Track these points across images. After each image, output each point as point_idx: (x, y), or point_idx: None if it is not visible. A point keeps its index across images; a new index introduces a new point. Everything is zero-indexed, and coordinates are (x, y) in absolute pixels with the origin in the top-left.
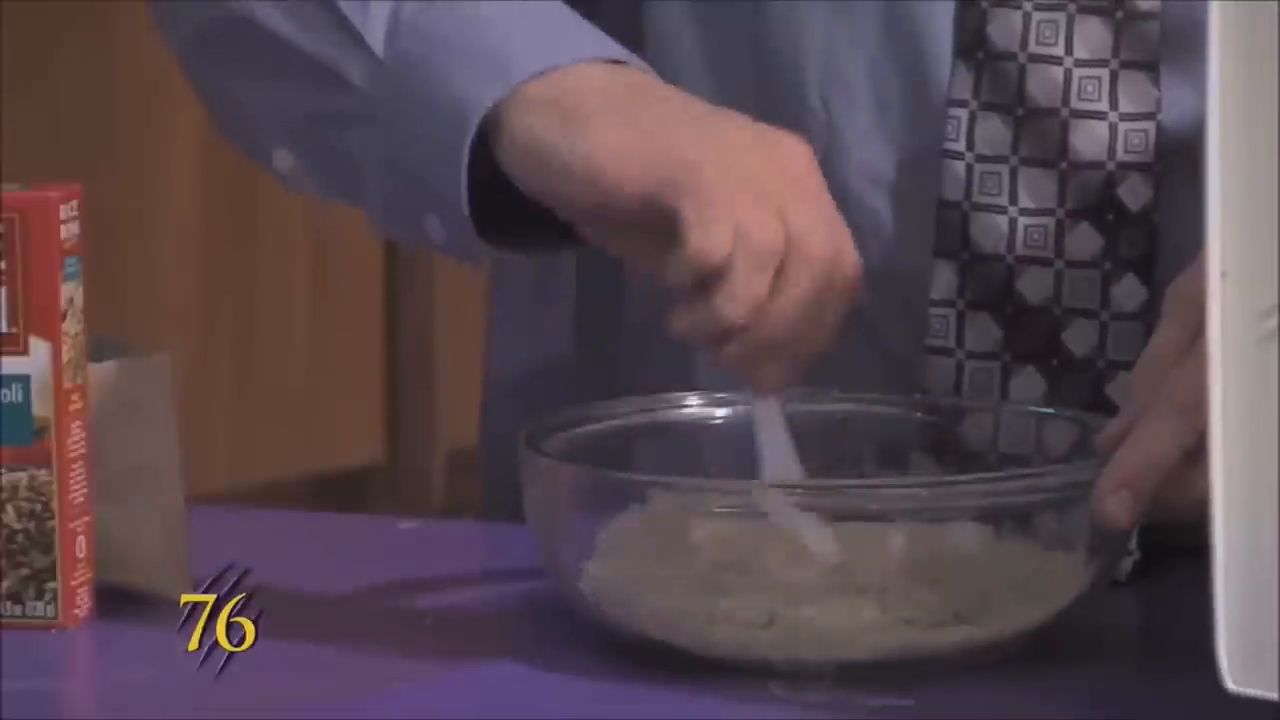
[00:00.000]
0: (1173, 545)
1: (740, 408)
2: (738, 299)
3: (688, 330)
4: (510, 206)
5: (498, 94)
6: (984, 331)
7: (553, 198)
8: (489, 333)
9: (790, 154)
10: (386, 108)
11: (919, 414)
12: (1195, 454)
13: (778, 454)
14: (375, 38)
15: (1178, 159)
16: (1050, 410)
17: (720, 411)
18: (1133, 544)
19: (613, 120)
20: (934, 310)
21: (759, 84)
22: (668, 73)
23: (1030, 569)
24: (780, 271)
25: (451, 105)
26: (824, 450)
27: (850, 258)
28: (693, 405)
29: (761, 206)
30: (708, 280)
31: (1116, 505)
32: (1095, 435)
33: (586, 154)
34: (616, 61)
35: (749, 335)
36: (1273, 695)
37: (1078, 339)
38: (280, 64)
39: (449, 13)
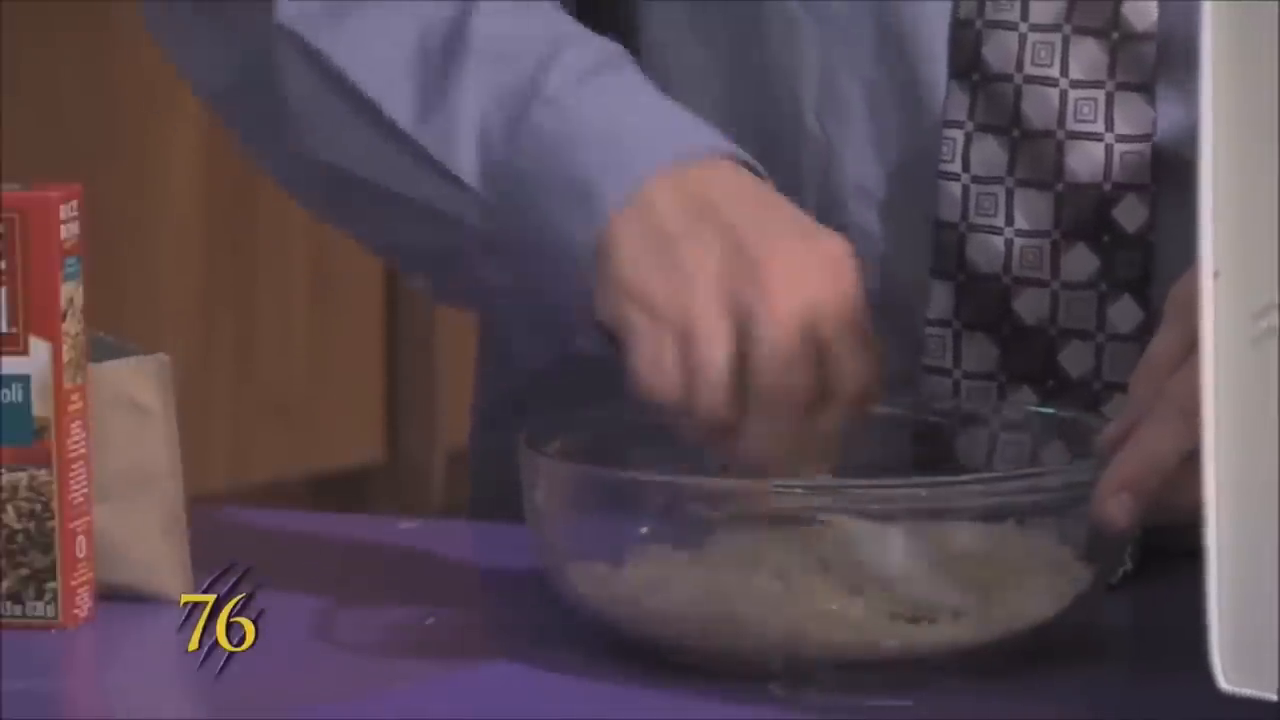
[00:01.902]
0: (1172, 546)
1: None
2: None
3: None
4: None
5: (590, 234)
6: (980, 352)
7: None
8: (480, 354)
9: (834, 255)
10: (503, 242)
11: (919, 415)
12: (1196, 457)
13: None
14: (472, 178)
15: (1174, 180)
16: (1050, 410)
17: None
18: (1127, 557)
19: (639, 269)
20: (930, 330)
21: (756, 104)
22: (667, 93)
23: (1029, 569)
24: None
25: (554, 247)
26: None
27: (877, 388)
28: None
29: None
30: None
31: (1117, 507)
32: (1096, 437)
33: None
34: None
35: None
36: (1268, 695)
37: (1074, 360)
38: (382, 204)
39: (535, 138)
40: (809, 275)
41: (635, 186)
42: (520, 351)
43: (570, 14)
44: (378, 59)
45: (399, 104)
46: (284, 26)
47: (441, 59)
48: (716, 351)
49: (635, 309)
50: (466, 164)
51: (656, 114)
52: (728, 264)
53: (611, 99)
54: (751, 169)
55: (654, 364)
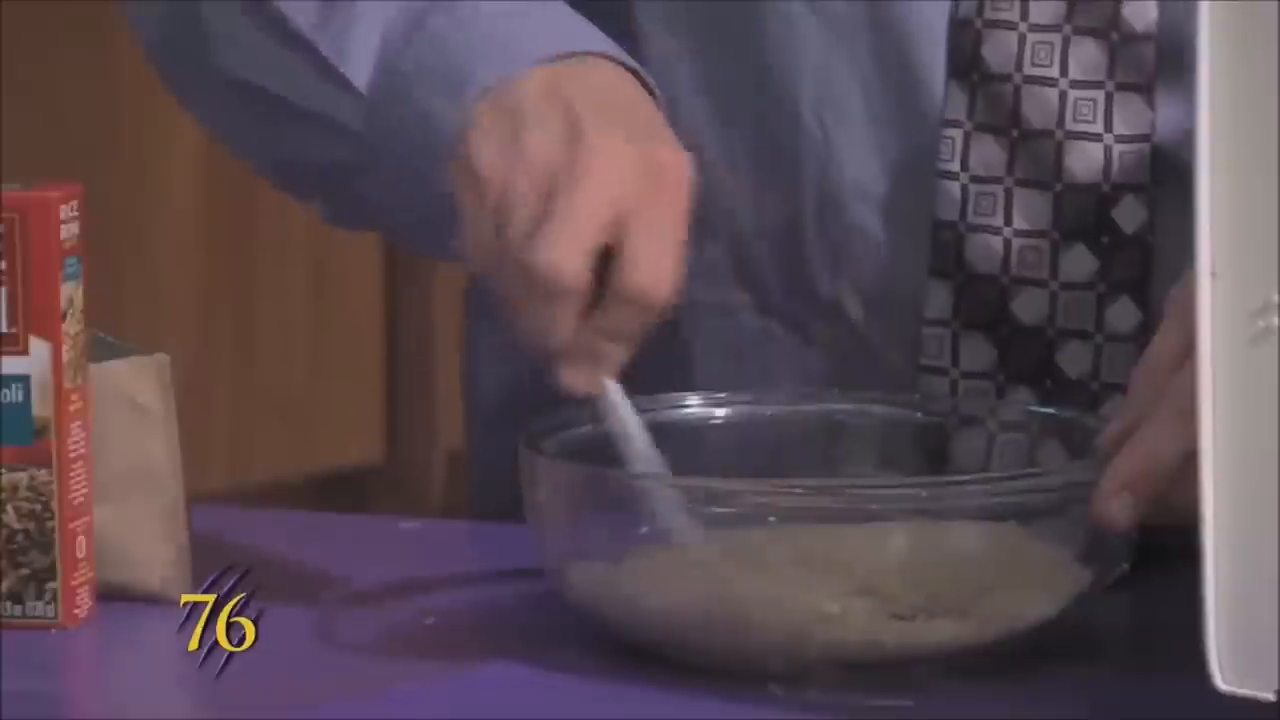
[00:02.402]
0: (1171, 546)
1: (740, 408)
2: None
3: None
4: None
5: (457, 116)
6: (978, 352)
7: None
8: (468, 360)
9: (668, 165)
10: (379, 147)
11: (918, 415)
12: (1196, 456)
13: (639, 456)
14: (361, 80)
15: (1173, 181)
16: (1049, 410)
17: (720, 411)
18: (1126, 561)
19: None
20: (928, 330)
21: (754, 103)
22: (667, 94)
23: (1030, 569)
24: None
25: (426, 134)
26: (824, 450)
27: (662, 294)
28: (693, 405)
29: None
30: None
31: (1118, 507)
32: (1096, 437)
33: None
34: (566, 56)
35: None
36: (1266, 695)
37: (1072, 361)
38: (282, 120)
39: (427, 39)
40: (627, 175)
41: (505, 73)
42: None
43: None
44: None
45: (299, 10)
46: None
47: None
48: (519, 227)
49: (468, 185)
50: (359, 69)
51: (547, 19)
52: (557, 152)
53: (509, 5)
54: (638, 76)
55: (471, 236)
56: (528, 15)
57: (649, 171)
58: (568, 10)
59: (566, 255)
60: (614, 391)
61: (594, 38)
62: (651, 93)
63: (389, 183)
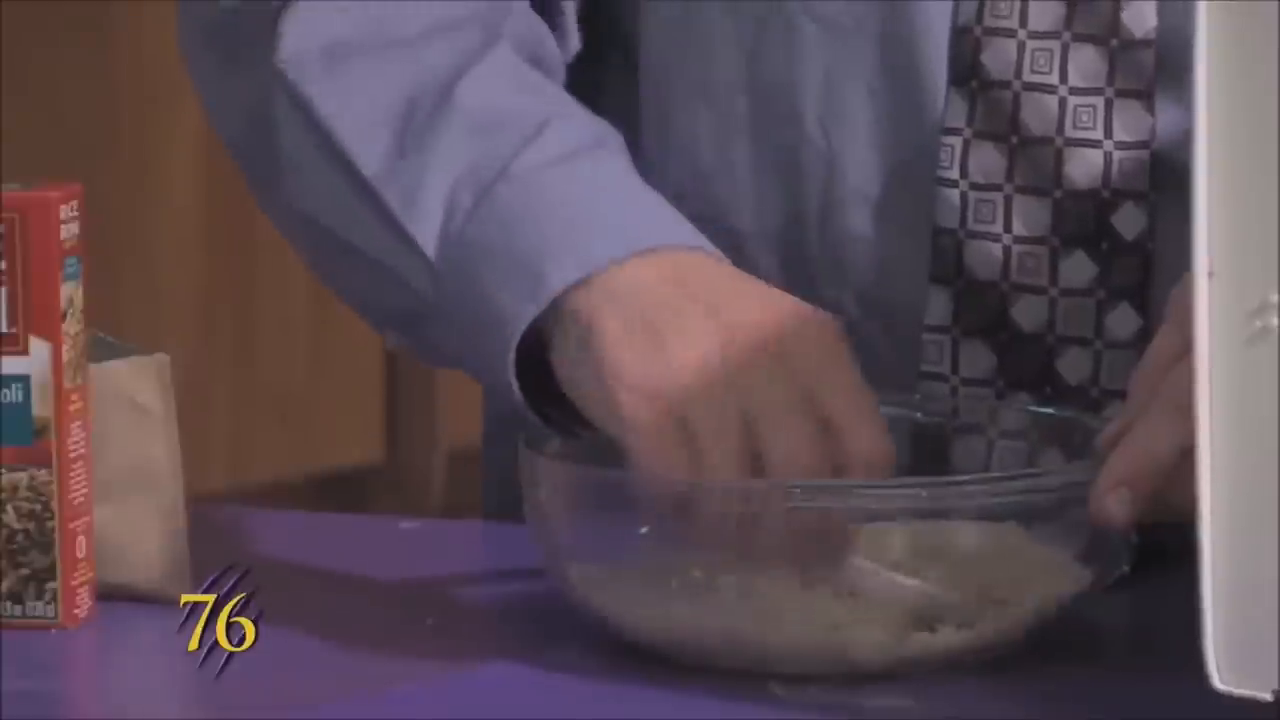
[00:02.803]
0: (1170, 546)
1: None
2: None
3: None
4: None
5: (532, 311)
6: (978, 358)
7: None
8: None
9: (818, 322)
10: (447, 313)
11: (918, 415)
12: (1193, 453)
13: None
14: (429, 245)
15: (1172, 187)
16: (1048, 411)
17: None
18: (1125, 559)
19: (629, 356)
20: (928, 336)
21: (756, 112)
22: (667, 103)
23: (1029, 569)
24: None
25: (494, 320)
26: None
27: (891, 453)
28: None
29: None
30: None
31: (1115, 503)
32: (1094, 439)
33: (601, 397)
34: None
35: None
36: (1263, 694)
37: (1072, 367)
38: (348, 262)
39: (495, 213)
40: (804, 348)
41: (585, 269)
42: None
43: (574, 21)
44: (361, 111)
45: (371, 157)
46: (280, 69)
47: (424, 120)
48: (723, 445)
49: (627, 393)
50: (425, 227)
51: (623, 204)
52: (715, 340)
53: (582, 185)
54: (718, 259)
55: (662, 460)
56: (602, 197)
57: (806, 329)
58: (640, 187)
59: (801, 443)
60: (867, 563)
61: (669, 225)
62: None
63: (458, 342)
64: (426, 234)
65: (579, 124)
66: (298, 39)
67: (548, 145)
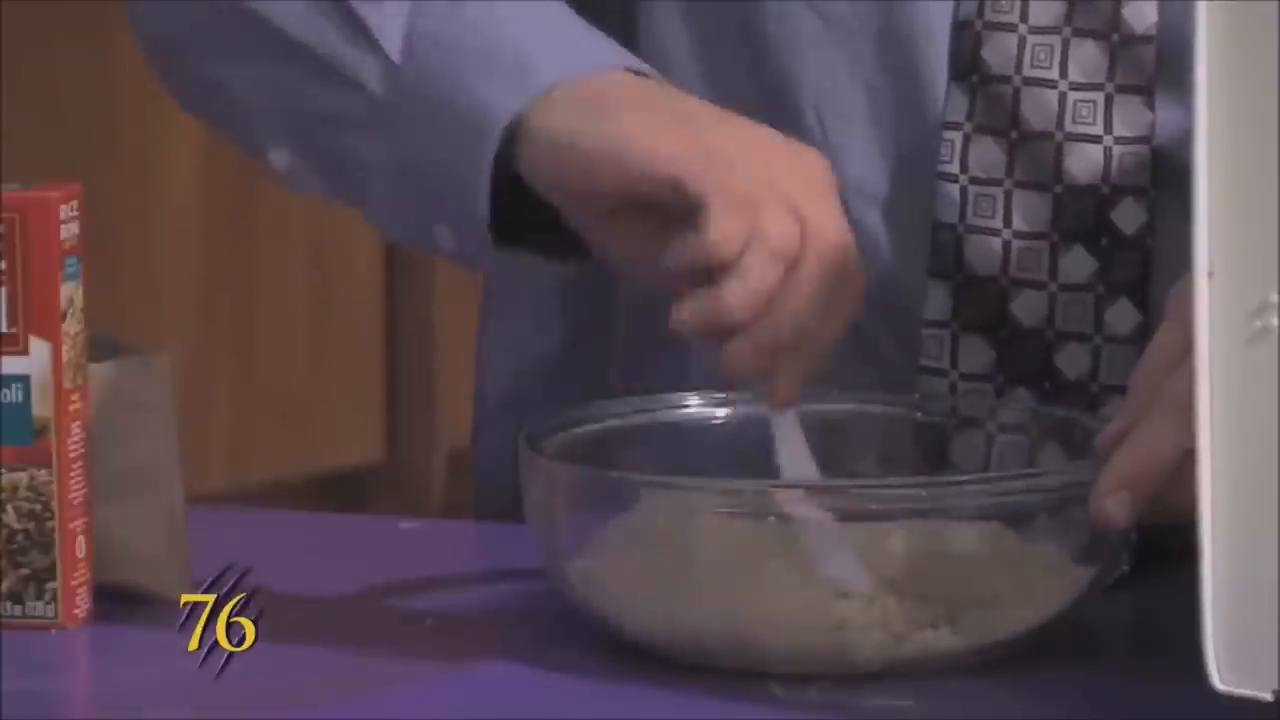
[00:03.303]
0: (1170, 546)
1: (740, 408)
2: (748, 289)
3: (692, 322)
4: (520, 220)
5: (522, 102)
6: (977, 353)
7: (572, 187)
8: (480, 351)
9: (812, 162)
10: (401, 114)
11: (918, 415)
12: (1194, 455)
13: (801, 470)
14: (392, 43)
15: (1172, 183)
16: (1048, 410)
17: (720, 411)
18: (1125, 559)
19: (644, 112)
20: (927, 331)
21: (755, 104)
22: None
23: (1029, 569)
24: (791, 270)
25: (473, 113)
26: (824, 450)
27: (856, 263)
28: (693, 405)
29: (782, 205)
30: (717, 272)
31: (1116, 505)
32: (1095, 437)
33: (617, 134)
34: (639, 72)
35: (754, 331)
36: (1263, 694)
37: (1071, 362)
38: (283, 59)
39: (469, 24)
40: (793, 169)
41: (580, 69)
42: (382, 235)
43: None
44: None
45: None
46: None
47: None
48: (788, 232)
49: (705, 167)
50: (390, 25)
51: (604, 39)
52: (729, 123)
53: (528, 8)
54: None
55: (725, 227)
56: (564, 20)
57: (794, 161)
58: (574, 18)
59: (840, 221)
60: (795, 412)
61: (619, 51)
62: None
63: (398, 148)
64: (390, 32)
65: None
66: None
67: None
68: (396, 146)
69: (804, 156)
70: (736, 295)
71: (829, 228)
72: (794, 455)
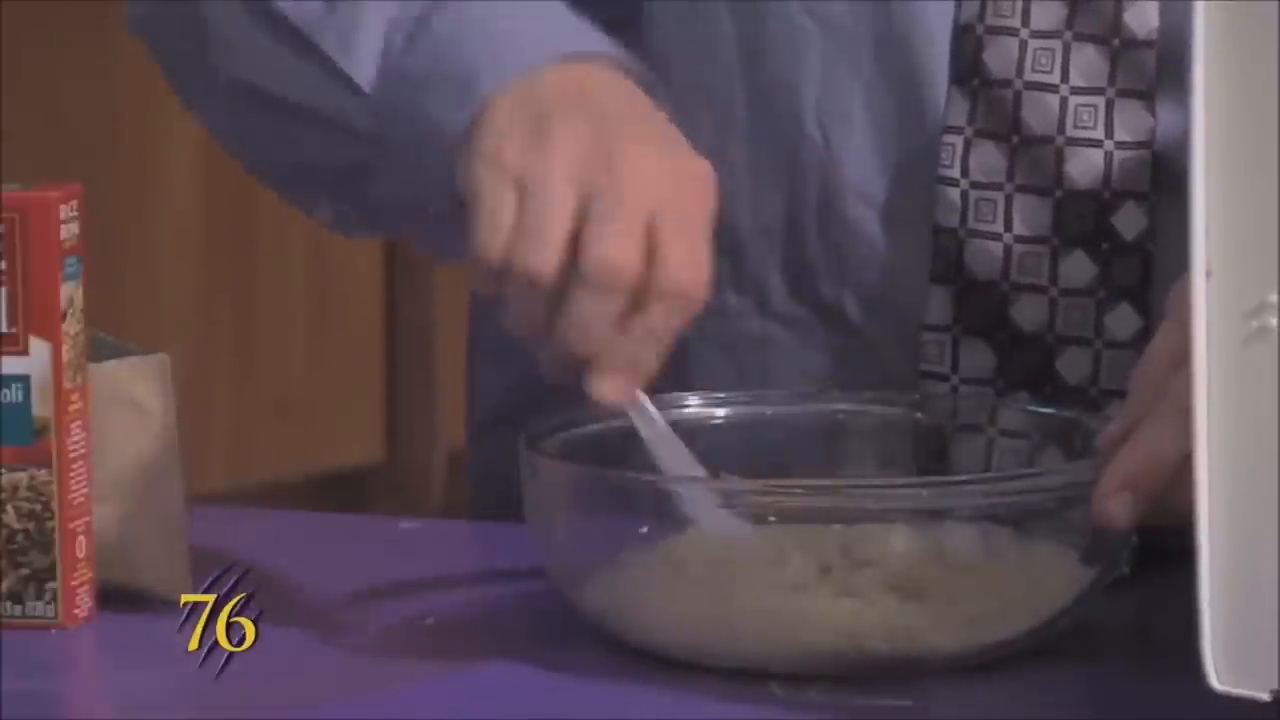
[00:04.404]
0: (1171, 547)
1: (740, 408)
2: (572, 322)
3: (513, 330)
4: None
5: (465, 117)
6: (978, 358)
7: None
8: (470, 364)
9: (695, 179)
10: (390, 150)
11: (918, 415)
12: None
13: (675, 460)
14: (365, 79)
15: (1173, 187)
16: (1048, 410)
17: (720, 411)
18: (1125, 561)
19: (500, 131)
20: (928, 335)
21: (756, 110)
22: (665, 100)
23: (1030, 569)
24: (630, 301)
25: (434, 138)
26: (824, 450)
27: (700, 295)
28: (692, 405)
29: (634, 224)
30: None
31: (1118, 506)
32: (1096, 438)
33: (475, 140)
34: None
35: (563, 344)
36: (1260, 695)
37: (1072, 367)
38: (287, 122)
39: (429, 43)
40: (663, 180)
41: (510, 75)
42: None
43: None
44: None
45: (303, 10)
46: None
47: None
48: (555, 211)
49: (487, 169)
50: (363, 67)
51: (547, 17)
52: (589, 147)
53: (509, 6)
54: (638, 78)
55: (490, 217)
56: (529, 15)
57: (677, 175)
58: (564, 9)
59: (622, 249)
60: (645, 399)
61: (596, 38)
62: (650, 86)
63: (400, 184)
64: (365, 73)
65: None
66: None
67: None
68: (396, 183)
69: (688, 173)
70: (562, 325)
71: (678, 260)
72: (667, 450)
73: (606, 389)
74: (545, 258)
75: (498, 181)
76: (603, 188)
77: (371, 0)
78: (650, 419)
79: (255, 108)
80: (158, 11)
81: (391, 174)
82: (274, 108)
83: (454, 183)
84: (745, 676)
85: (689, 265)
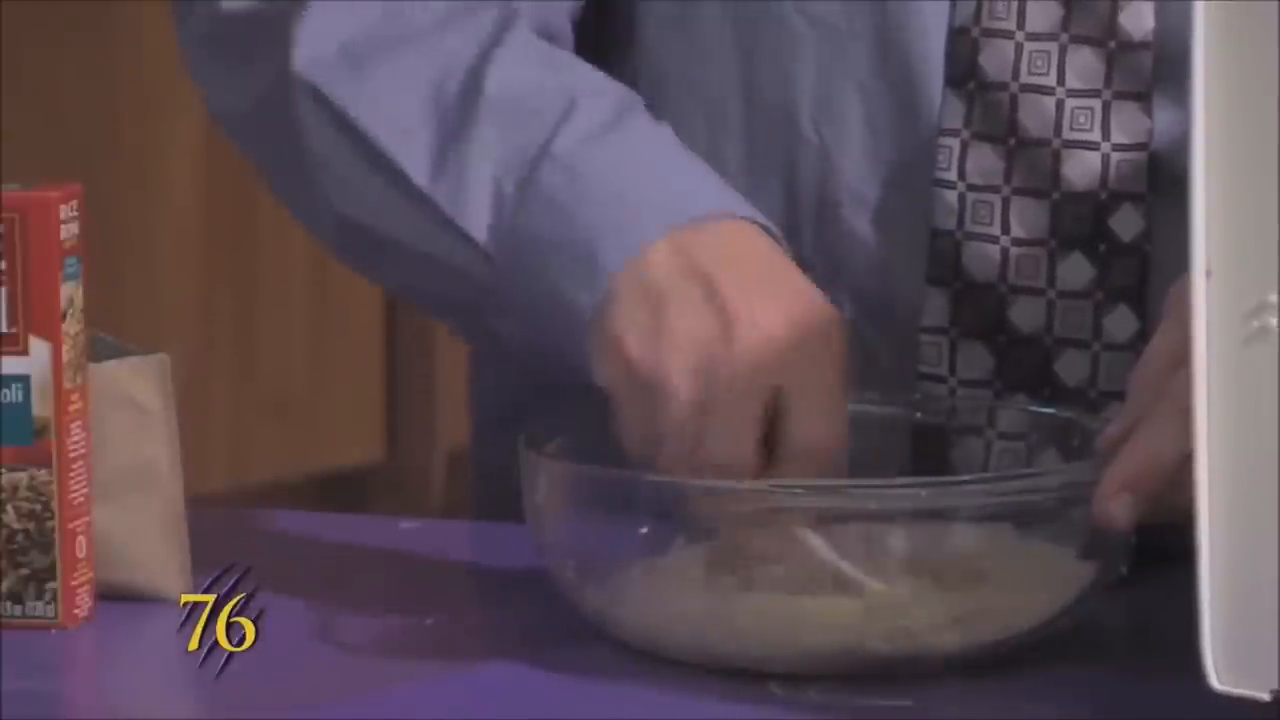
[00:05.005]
0: (1170, 547)
1: None
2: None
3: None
4: None
5: (591, 300)
6: (976, 360)
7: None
8: (471, 366)
9: (819, 324)
10: (510, 301)
11: (918, 415)
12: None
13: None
14: (481, 234)
15: (1170, 189)
16: (1048, 411)
17: None
18: (1125, 562)
19: (624, 322)
20: (926, 338)
21: (752, 111)
22: (661, 104)
23: (1029, 570)
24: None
25: (560, 310)
26: None
27: (835, 444)
28: None
29: (747, 413)
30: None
31: (1118, 507)
32: (1095, 439)
33: (600, 329)
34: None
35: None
36: (1260, 694)
37: (1070, 369)
38: (398, 259)
39: (541, 200)
40: (779, 341)
41: (634, 251)
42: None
43: (569, 23)
44: (394, 112)
45: (414, 160)
46: (299, 74)
47: (457, 113)
48: (677, 414)
49: (616, 371)
50: (477, 223)
51: (664, 175)
52: (705, 324)
53: (620, 160)
54: (764, 229)
55: (626, 422)
56: (643, 171)
57: (799, 330)
58: (678, 153)
59: (735, 447)
60: (811, 538)
61: (712, 192)
62: (776, 239)
63: (523, 330)
64: (479, 228)
65: (605, 96)
66: (314, 42)
67: (580, 123)
68: (518, 328)
69: (813, 325)
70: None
71: (806, 423)
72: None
73: (762, 547)
74: (677, 460)
75: (626, 383)
76: (721, 375)
77: (479, 144)
78: (822, 555)
79: (368, 243)
80: (249, 118)
81: (515, 320)
82: (388, 247)
83: (583, 353)
84: (745, 676)
85: (818, 424)
